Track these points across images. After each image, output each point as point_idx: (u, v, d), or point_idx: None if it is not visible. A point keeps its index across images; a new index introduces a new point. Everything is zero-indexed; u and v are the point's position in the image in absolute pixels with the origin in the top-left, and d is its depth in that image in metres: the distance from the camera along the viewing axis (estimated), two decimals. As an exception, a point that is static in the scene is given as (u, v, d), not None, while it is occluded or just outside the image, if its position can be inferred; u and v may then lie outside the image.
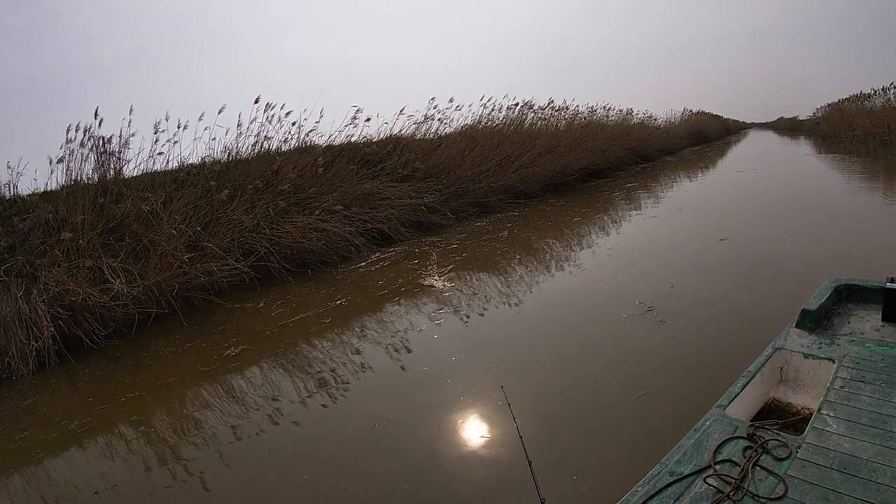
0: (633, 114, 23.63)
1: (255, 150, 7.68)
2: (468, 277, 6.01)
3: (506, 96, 14.53)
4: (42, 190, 5.80)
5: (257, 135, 7.85)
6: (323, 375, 3.93)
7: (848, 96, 31.38)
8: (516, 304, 5.06)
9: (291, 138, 8.46)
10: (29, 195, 5.72)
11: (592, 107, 19.11)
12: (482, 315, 4.77)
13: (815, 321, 3.01)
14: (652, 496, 1.74)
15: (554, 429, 2.93)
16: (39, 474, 3.14)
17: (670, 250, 6.98)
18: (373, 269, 6.63)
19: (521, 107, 14.29)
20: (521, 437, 2.10)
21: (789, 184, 13.28)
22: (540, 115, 15.22)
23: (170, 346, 4.61)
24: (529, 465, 1.90)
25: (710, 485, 1.78)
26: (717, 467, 1.86)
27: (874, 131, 22.54)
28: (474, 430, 2.99)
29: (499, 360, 3.86)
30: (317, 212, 7.08)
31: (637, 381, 3.33)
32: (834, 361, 2.62)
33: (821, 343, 2.84)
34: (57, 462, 3.24)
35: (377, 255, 7.27)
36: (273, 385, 3.85)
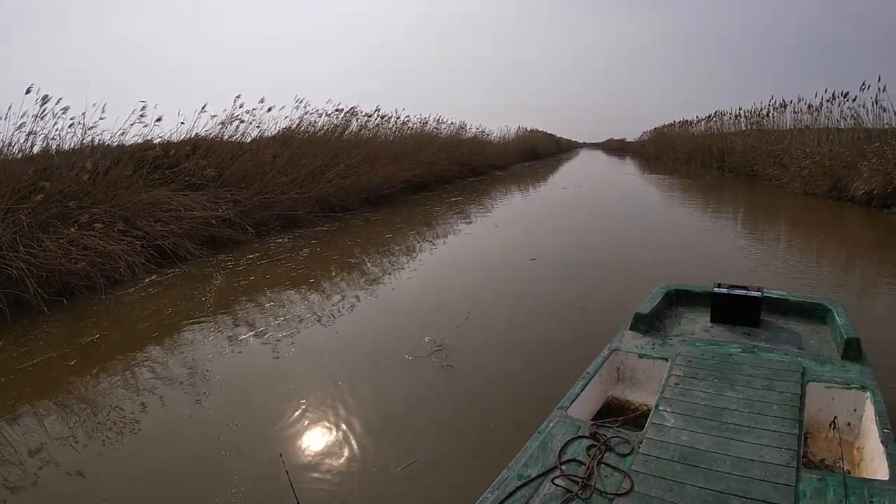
0: (467, 128, 24.92)
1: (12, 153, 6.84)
2: (239, 309, 5.89)
3: (328, 101, 14.53)
4: None
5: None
6: (54, 438, 3.48)
7: (672, 122, 36.02)
8: (276, 344, 4.72)
9: (67, 137, 7.71)
10: None
11: (424, 118, 19.88)
12: (232, 358, 4.52)
13: (648, 324, 3.13)
14: (502, 501, 1.73)
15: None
16: None
17: (476, 272, 6.94)
18: (141, 295, 6.33)
19: (345, 113, 14.46)
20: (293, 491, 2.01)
21: (610, 203, 14.38)
22: (365, 122, 15.49)
23: None
24: None
25: (558, 485, 1.80)
26: (564, 467, 1.89)
27: (695, 154, 26.29)
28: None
29: (228, 430, 3.35)
30: (73, 228, 6.48)
31: (406, 446, 2.95)
32: (667, 360, 2.72)
33: (654, 344, 2.95)
34: None
35: (154, 277, 6.92)
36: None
